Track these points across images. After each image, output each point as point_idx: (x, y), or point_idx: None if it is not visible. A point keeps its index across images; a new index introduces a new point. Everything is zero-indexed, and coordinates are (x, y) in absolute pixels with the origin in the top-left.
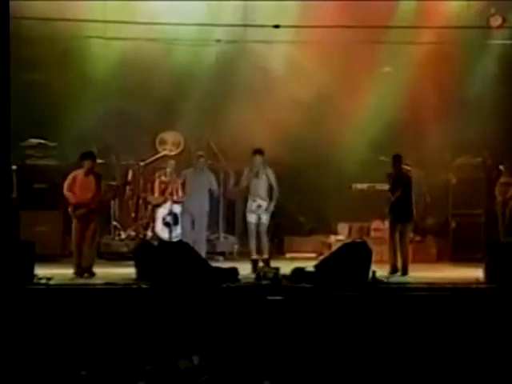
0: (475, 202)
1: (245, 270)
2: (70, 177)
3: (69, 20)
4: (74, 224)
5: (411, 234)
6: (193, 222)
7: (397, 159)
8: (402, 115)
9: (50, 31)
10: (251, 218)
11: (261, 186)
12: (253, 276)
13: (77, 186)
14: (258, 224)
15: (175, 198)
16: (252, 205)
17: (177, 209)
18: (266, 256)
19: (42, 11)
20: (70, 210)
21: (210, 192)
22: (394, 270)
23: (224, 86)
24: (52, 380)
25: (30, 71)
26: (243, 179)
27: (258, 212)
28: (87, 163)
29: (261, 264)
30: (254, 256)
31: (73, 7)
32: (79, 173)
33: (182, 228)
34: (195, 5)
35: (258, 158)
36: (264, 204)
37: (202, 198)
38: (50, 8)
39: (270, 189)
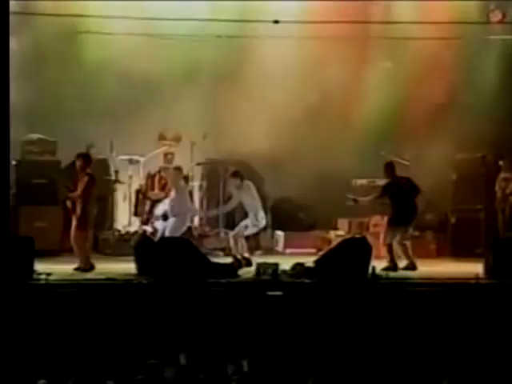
0: (475, 197)
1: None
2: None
3: (67, 16)
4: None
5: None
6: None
7: (389, 167)
8: (402, 111)
9: (49, 26)
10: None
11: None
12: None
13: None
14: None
15: None
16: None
17: None
18: (246, 254)
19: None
20: (68, 204)
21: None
22: (394, 267)
23: (225, 82)
24: (52, 375)
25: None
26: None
27: (242, 229)
28: (79, 162)
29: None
30: (237, 254)
31: (70, 2)
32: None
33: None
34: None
35: (233, 180)
36: (248, 223)
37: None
38: (50, 3)
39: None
